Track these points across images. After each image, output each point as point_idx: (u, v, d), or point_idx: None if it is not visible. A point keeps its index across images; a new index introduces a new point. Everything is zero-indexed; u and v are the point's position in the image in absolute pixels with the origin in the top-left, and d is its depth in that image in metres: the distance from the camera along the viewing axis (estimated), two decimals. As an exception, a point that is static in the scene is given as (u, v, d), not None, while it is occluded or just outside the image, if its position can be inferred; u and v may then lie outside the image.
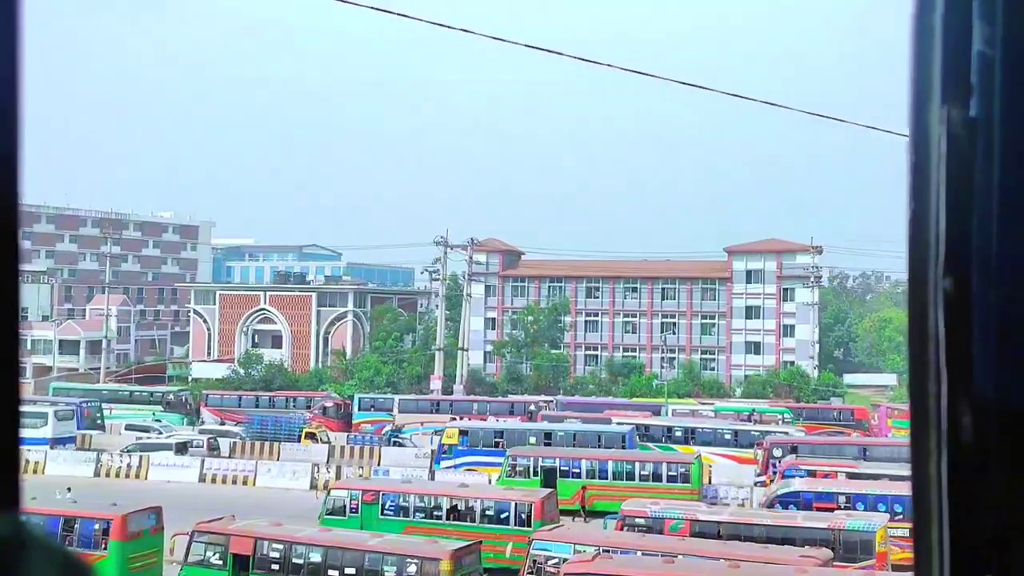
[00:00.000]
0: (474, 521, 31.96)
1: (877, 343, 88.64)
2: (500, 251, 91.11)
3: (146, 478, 46.71)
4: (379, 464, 50.34)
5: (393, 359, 77.50)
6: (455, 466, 45.67)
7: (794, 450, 44.44)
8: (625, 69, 13.16)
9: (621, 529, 29.91)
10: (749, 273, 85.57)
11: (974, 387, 0.94)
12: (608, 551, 25.82)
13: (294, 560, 25.11)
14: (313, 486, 45.03)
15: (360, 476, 44.17)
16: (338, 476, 45.56)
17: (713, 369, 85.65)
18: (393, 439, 54.04)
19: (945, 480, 0.95)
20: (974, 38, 0.94)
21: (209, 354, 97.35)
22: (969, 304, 0.95)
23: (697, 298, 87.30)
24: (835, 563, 27.78)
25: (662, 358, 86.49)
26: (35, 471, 46.82)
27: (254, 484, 45.71)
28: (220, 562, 25.88)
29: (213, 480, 46.32)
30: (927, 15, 0.96)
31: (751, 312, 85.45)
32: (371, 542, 24.98)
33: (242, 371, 76.14)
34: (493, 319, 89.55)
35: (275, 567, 25.24)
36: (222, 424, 62.22)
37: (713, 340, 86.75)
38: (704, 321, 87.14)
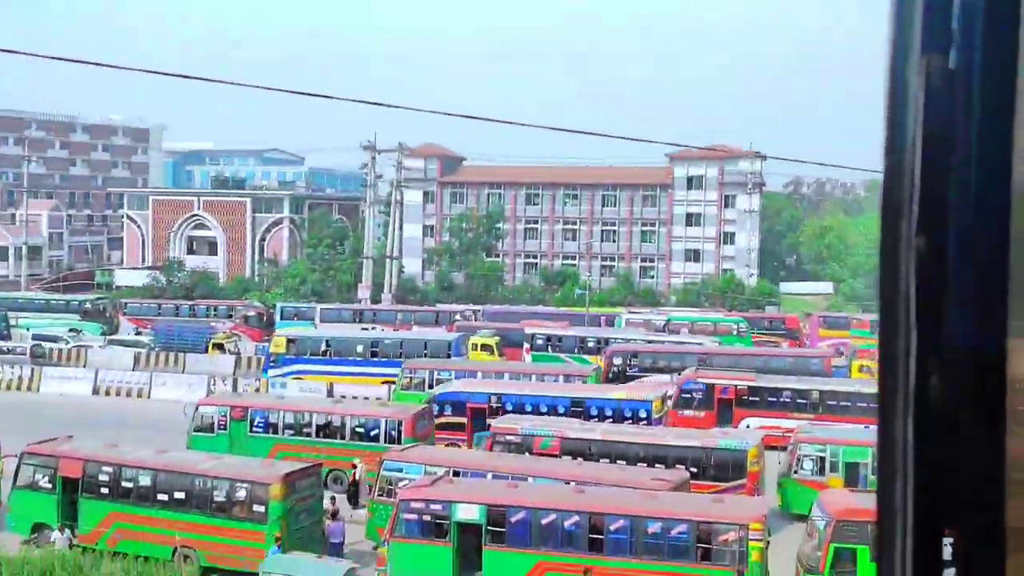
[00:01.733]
0: (344, 438, 30.71)
1: (817, 251, 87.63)
2: (439, 156, 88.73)
3: (38, 391, 45.17)
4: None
5: (324, 267, 75.62)
6: (283, 375, 44.53)
7: (634, 357, 43.91)
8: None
9: (491, 447, 28.73)
10: (691, 180, 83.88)
11: (944, 347, 0.94)
12: (459, 473, 24.64)
13: (124, 484, 23.72)
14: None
15: (255, 391, 42.82)
16: (235, 389, 44.22)
17: (653, 277, 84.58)
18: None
19: (911, 438, 0.96)
20: None
21: (143, 261, 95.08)
22: (942, 263, 0.94)
23: (638, 205, 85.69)
24: (709, 482, 26.88)
25: (601, 266, 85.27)
26: None
27: (148, 397, 44.25)
28: (49, 485, 24.47)
29: (107, 393, 44.81)
30: None
31: (692, 219, 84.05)
32: (202, 465, 23.60)
33: (163, 279, 73.95)
34: (432, 227, 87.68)
35: (104, 491, 23.86)
36: (138, 333, 60.55)
37: (653, 248, 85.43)
38: (645, 228, 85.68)
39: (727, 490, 26.78)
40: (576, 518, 20.96)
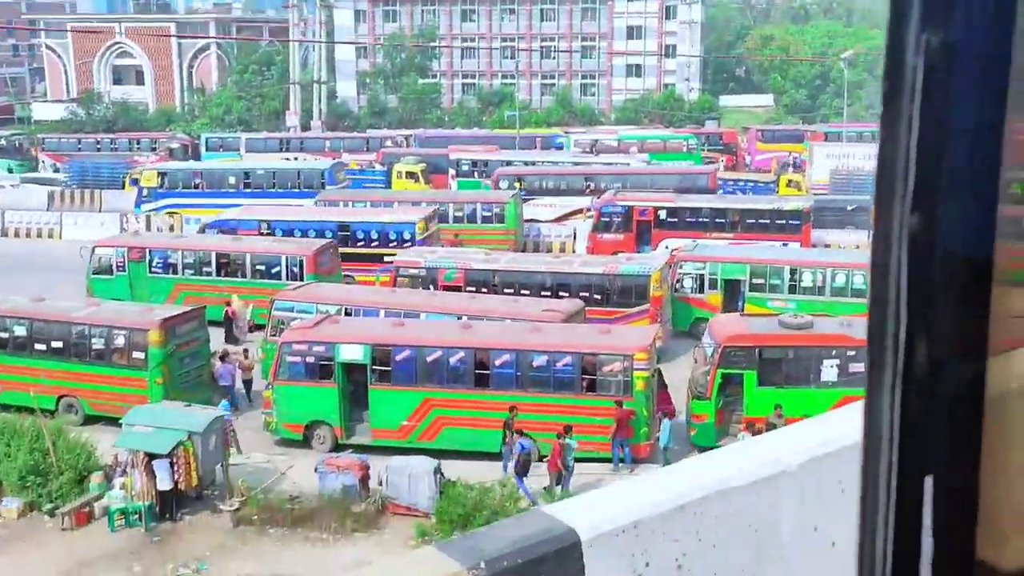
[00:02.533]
0: (245, 276, 29.89)
1: (760, 63, 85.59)
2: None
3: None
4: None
5: (252, 94, 72.83)
6: (155, 209, 43.38)
7: (520, 180, 43.23)
8: None
9: (394, 282, 28.04)
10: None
11: (933, 329, 0.95)
12: (350, 311, 24.02)
13: (-1, 334, 22.88)
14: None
15: (170, 231, 41.47)
16: (148, 227, 42.93)
17: (594, 95, 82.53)
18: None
19: (898, 416, 0.98)
20: None
21: (68, 93, 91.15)
22: (933, 243, 0.95)
23: (577, 20, 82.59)
24: (613, 308, 26.52)
25: (541, 85, 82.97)
26: None
27: (60, 238, 42.87)
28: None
29: (16, 234, 43.38)
30: None
31: (633, 33, 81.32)
32: (77, 313, 22.71)
33: (82, 112, 70.92)
34: (366, 48, 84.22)
35: (-21, 342, 23.03)
36: (56, 170, 58.47)
37: (594, 64, 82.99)
38: (585, 44, 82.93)
39: (631, 316, 26.52)
40: (461, 354, 20.50)
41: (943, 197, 0.94)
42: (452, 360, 20.51)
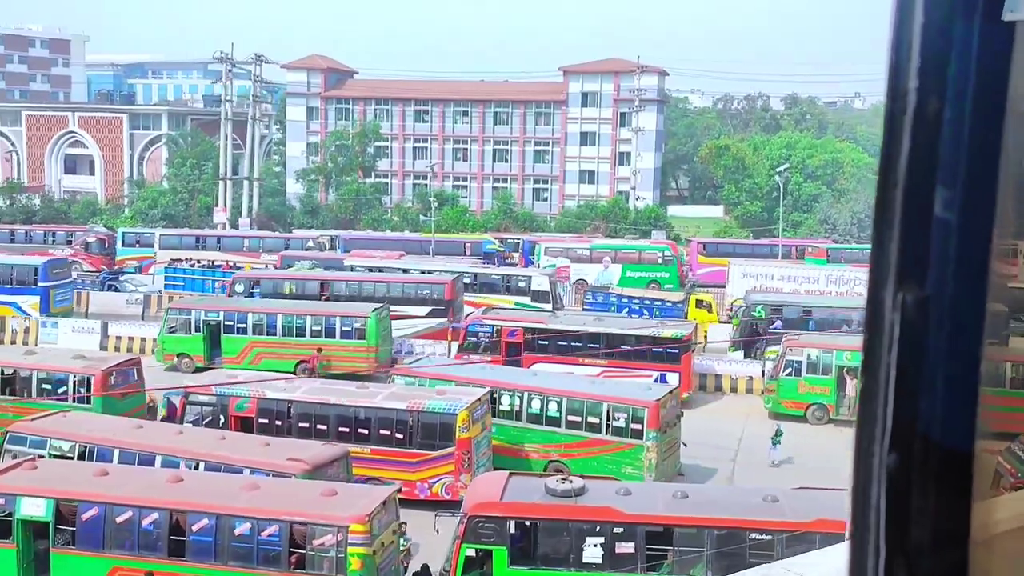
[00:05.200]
0: (30, 395, 26.79)
1: (715, 172, 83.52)
2: (323, 70, 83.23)
3: None
4: (87, 311, 44.95)
5: (186, 188, 70.79)
6: None
7: (256, 284, 41.41)
8: None
9: (182, 411, 24.91)
10: (585, 96, 79.08)
11: (919, 416, 0.99)
12: (84, 452, 20.81)
13: None
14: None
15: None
16: (1, 329, 40.05)
17: (546, 199, 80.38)
18: (109, 282, 48.26)
19: (884, 480, 1.02)
20: None
21: (18, 179, 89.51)
22: (926, 326, 0.99)
23: (531, 123, 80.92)
24: (416, 450, 23.32)
25: (493, 187, 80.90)
26: None
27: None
28: None
29: None
30: None
31: (587, 138, 79.53)
32: None
33: (1, 201, 68.90)
34: (318, 144, 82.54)
35: None
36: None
37: (547, 168, 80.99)
38: (538, 148, 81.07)
39: (434, 460, 23.32)
40: (155, 516, 17.20)
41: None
42: (145, 522, 17.23)
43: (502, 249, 58.56)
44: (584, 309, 43.20)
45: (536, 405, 25.36)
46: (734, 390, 34.61)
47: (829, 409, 30.65)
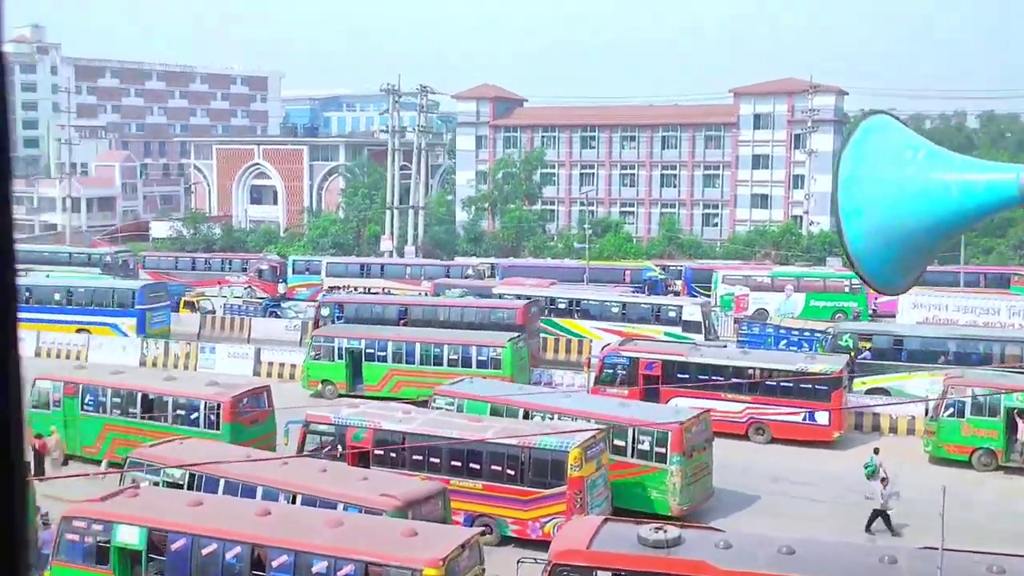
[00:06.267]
0: (167, 421, 27.55)
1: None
2: (493, 98, 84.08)
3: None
4: (248, 337, 46.55)
5: (356, 218, 72.78)
6: None
7: (342, 308, 42.49)
8: None
9: (302, 440, 25.00)
10: (758, 117, 76.48)
11: None
12: (195, 477, 21.04)
13: None
14: (143, 363, 41.49)
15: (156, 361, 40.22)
16: (165, 353, 41.88)
17: (715, 225, 78.07)
18: (271, 308, 49.82)
19: None
20: None
21: (209, 210, 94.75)
22: None
23: (700, 147, 78.92)
24: (528, 487, 22.48)
25: (661, 213, 79.29)
26: None
27: (86, 358, 42.38)
28: None
29: (48, 354, 43.23)
30: None
31: (759, 161, 76.82)
32: None
33: (185, 231, 72.67)
34: (485, 172, 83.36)
35: None
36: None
37: (717, 193, 78.68)
38: (708, 172, 78.93)
39: (547, 498, 22.37)
40: (238, 549, 17.03)
41: None
42: (228, 555, 17.08)
43: (664, 277, 57.03)
44: (738, 342, 41.28)
45: None
46: (894, 431, 31.97)
47: (997, 455, 27.76)
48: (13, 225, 1.07)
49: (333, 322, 40.98)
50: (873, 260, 4.17)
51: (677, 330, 41.51)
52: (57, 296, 46.25)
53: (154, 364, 41.20)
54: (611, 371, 32.80)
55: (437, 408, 26.65)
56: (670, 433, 23.79)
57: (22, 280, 50.04)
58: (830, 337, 36.64)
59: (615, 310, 42.77)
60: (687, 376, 31.88)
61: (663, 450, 23.86)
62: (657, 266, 58.92)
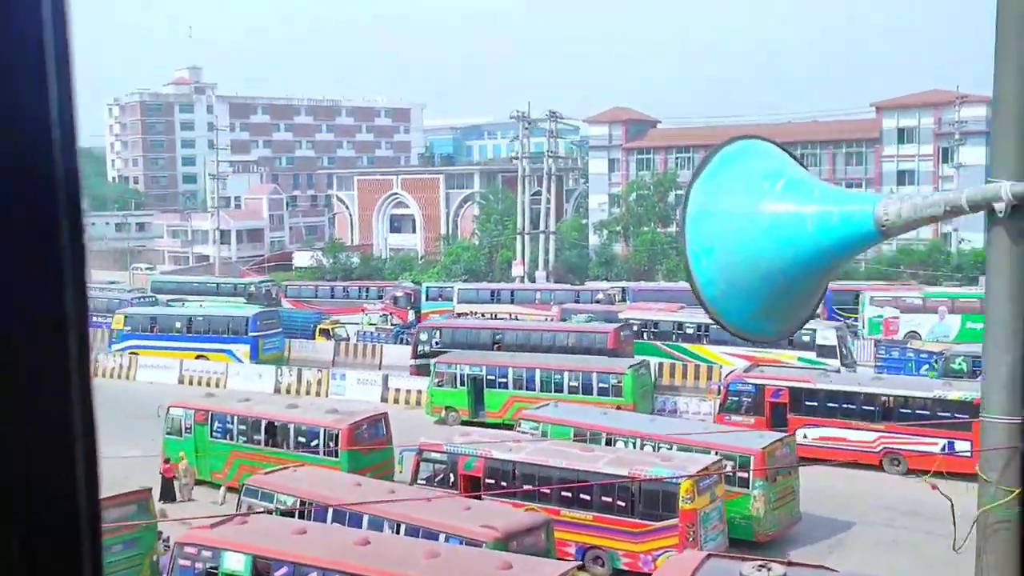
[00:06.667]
0: (288, 448, 28.18)
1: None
2: (623, 121, 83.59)
3: (134, 379, 46.18)
4: (380, 364, 47.29)
5: (491, 243, 73.40)
6: (121, 348, 48.11)
7: (438, 332, 43.64)
8: None
9: (416, 468, 25.13)
10: (902, 131, 73.44)
11: None
12: (305, 504, 21.35)
13: None
14: (277, 390, 42.68)
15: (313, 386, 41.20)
16: (298, 380, 42.96)
17: (859, 244, 75.13)
18: (402, 335, 50.53)
19: None
20: None
21: (351, 241, 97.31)
22: None
23: (841, 163, 76.30)
24: (638, 520, 21.95)
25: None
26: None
27: (224, 386, 43.89)
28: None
29: (190, 382, 45.00)
30: None
31: (904, 177, 73.70)
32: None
33: (325, 260, 74.68)
34: (618, 196, 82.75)
35: None
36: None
37: (859, 211, 75.73)
38: (849, 189, 76.07)
39: (658, 531, 21.76)
40: (336, 579, 17.12)
41: None
42: (327, 585, 17.19)
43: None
44: (876, 367, 39.47)
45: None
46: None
47: None
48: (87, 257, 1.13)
49: (430, 347, 42.03)
50: (729, 303, 3.69)
51: (811, 355, 39.98)
52: (178, 324, 48.81)
53: (288, 391, 42.34)
54: (736, 399, 31.81)
55: (522, 432, 26.84)
56: (752, 458, 23.64)
57: (150, 309, 52.90)
58: (942, 360, 34.59)
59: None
60: (815, 404, 30.63)
61: (746, 475, 23.71)
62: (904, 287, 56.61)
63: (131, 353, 47.53)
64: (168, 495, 27.90)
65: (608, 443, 25.56)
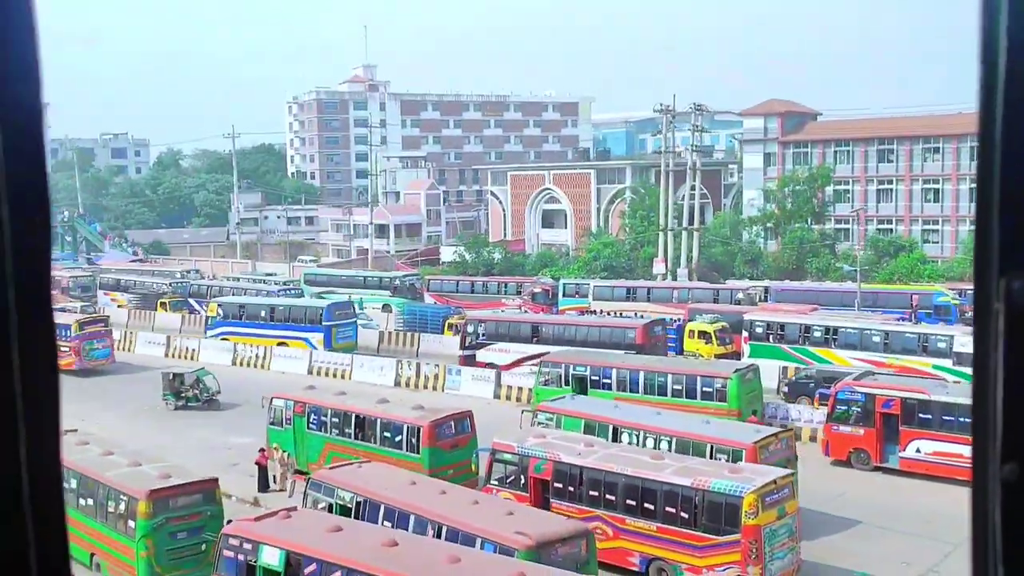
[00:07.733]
0: (375, 442, 28.47)
1: None
2: (780, 114, 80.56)
3: (268, 368, 47.90)
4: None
5: (636, 239, 72.30)
6: (215, 334, 51.55)
7: (481, 324, 45.16)
8: None
9: (489, 469, 24.93)
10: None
11: None
12: (360, 503, 21.46)
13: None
14: (397, 383, 43.32)
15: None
16: (417, 374, 43.45)
17: (1034, 243, 69.74)
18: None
19: (999, 493, 1.04)
20: None
21: (504, 236, 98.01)
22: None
23: None
24: (700, 532, 21.03)
25: (970, 231, 72.14)
26: (192, 357, 50.03)
27: (350, 378, 44.93)
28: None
29: (318, 372, 46.28)
30: None
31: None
32: (106, 472, 22.74)
33: (468, 255, 75.30)
34: (773, 191, 79.85)
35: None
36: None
37: (1035, 208, 70.26)
38: (1024, 185, 70.70)
39: (720, 545, 20.76)
40: (361, 579, 17.07)
41: None
42: (353, 584, 17.16)
43: (958, 302, 51.70)
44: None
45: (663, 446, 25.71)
46: None
47: None
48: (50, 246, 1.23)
49: (476, 339, 43.92)
50: None
51: (947, 363, 37.33)
52: (263, 313, 51.42)
53: (407, 385, 42.91)
54: (844, 408, 30.02)
55: (540, 423, 27.11)
56: (744, 452, 23.57)
57: (240, 299, 55.74)
58: None
59: (876, 339, 39.20)
60: (930, 416, 28.52)
61: None
62: (952, 290, 53.48)
63: (236, 340, 50.50)
64: (264, 484, 28.71)
65: (615, 435, 26.03)
